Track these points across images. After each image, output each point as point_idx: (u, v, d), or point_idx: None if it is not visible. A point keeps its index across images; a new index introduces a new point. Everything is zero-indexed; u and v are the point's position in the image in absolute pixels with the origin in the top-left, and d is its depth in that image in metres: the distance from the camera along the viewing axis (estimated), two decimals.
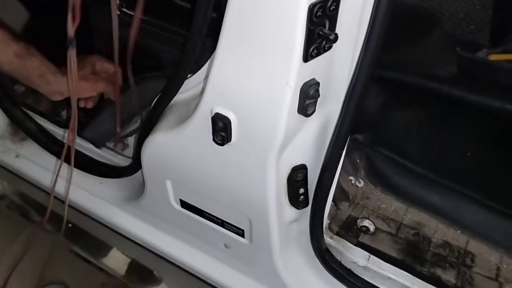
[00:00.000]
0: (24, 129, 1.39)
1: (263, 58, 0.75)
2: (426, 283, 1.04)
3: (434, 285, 1.04)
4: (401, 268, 1.06)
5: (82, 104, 1.16)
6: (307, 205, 0.97)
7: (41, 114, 1.40)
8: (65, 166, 1.25)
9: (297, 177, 0.92)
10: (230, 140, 0.86)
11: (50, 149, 1.37)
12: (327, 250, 1.04)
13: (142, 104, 1.17)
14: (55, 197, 1.24)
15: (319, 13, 0.69)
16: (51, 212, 1.24)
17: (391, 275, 1.06)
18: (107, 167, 1.29)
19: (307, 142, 0.89)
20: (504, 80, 1.06)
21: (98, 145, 1.30)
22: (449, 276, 1.08)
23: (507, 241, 1.12)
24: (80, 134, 1.28)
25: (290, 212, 0.97)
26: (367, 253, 1.09)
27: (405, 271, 1.06)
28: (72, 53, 0.98)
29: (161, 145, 1.02)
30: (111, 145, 1.32)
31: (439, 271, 1.08)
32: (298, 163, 0.91)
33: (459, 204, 1.18)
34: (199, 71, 0.96)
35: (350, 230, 1.15)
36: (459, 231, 1.17)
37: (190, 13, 0.96)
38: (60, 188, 1.24)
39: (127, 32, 1.03)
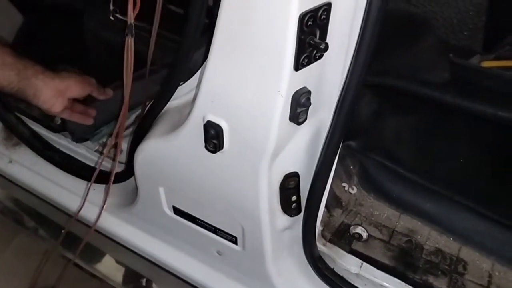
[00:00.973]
0: (17, 134, 1.39)
1: (254, 67, 0.75)
2: None
3: None
4: (394, 276, 1.06)
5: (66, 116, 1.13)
6: (299, 212, 0.97)
7: (35, 119, 1.39)
8: (63, 175, 1.24)
9: (289, 185, 0.92)
10: (222, 148, 0.86)
11: (44, 155, 1.36)
12: (320, 257, 1.04)
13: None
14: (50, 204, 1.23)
15: (309, 23, 0.69)
16: (44, 218, 1.24)
17: (384, 283, 1.06)
18: (100, 172, 1.29)
19: (299, 150, 0.89)
20: (497, 87, 1.06)
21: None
22: (441, 283, 1.08)
23: (499, 248, 1.12)
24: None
25: (283, 219, 0.97)
26: (360, 260, 1.09)
27: (397, 279, 1.06)
28: (130, 41, 0.93)
29: (154, 151, 1.01)
30: (104, 150, 1.32)
31: (431, 279, 1.08)
32: (290, 171, 0.91)
33: (451, 211, 1.18)
34: (192, 78, 0.96)
35: (343, 237, 1.15)
36: (451, 238, 1.17)
37: (183, 19, 0.96)
38: (59, 197, 1.23)
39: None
